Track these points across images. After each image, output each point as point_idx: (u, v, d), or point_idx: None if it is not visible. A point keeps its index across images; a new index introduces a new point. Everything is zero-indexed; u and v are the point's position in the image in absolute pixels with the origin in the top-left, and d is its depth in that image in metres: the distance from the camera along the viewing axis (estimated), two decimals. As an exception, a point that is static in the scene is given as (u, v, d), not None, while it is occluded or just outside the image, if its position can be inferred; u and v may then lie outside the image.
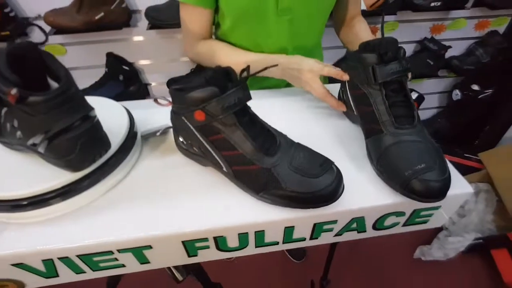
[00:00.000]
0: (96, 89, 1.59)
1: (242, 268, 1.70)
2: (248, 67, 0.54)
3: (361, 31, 0.96)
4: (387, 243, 1.77)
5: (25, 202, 0.54)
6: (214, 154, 0.57)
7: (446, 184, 0.56)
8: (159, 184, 0.63)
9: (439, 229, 1.86)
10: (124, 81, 1.61)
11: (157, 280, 1.59)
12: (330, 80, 0.83)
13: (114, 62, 1.58)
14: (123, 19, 1.37)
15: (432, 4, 1.54)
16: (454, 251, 1.73)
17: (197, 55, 0.93)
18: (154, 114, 0.80)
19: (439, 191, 0.55)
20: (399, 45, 0.65)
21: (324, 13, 0.94)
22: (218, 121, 0.53)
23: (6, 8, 1.28)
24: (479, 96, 1.94)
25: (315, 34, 0.98)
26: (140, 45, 1.60)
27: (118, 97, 1.57)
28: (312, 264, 1.79)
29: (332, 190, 0.54)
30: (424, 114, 2.27)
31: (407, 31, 1.78)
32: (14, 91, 0.43)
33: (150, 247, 0.56)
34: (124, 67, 1.60)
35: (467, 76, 1.95)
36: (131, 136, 0.66)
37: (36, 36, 1.46)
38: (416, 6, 1.55)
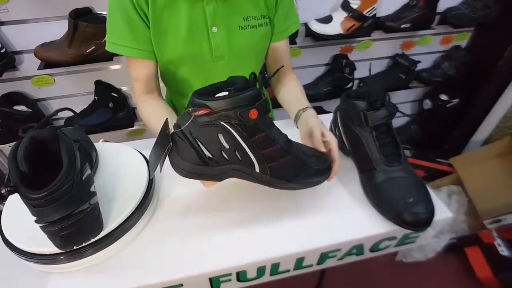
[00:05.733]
0: (85, 116, 1.62)
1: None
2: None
3: (293, 89, 1.02)
4: (371, 247, 1.88)
5: (62, 257, 0.59)
6: (250, 155, 0.61)
7: (431, 214, 0.67)
8: (180, 225, 0.71)
9: (417, 231, 2.00)
10: (113, 108, 1.65)
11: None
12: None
13: (103, 90, 1.61)
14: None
15: (402, 26, 1.67)
16: (432, 251, 1.87)
17: (140, 114, 0.96)
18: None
19: (426, 221, 0.66)
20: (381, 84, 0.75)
21: (256, 57, 1.01)
22: (264, 120, 0.60)
23: (-2, 45, 1.31)
24: (447, 105, 2.10)
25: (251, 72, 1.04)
26: (127, 72, 1.64)
27: (107, 123, 1.63)
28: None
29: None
30: (398, 121, 2.41)
31: (380, 48, 1.91)
32: (3, 190, 0.48)
33: (181, 285, 0.63)
34: (113, 94, 1.64)
35: (436, 87, 2.11)
36: (150, 186, 0.72)
37: (24, 68, 1.48)
38: (388, 28, 1.67)
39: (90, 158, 0.73)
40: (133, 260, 0.64)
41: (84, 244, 0.59)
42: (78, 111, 1.63)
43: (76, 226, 0.54)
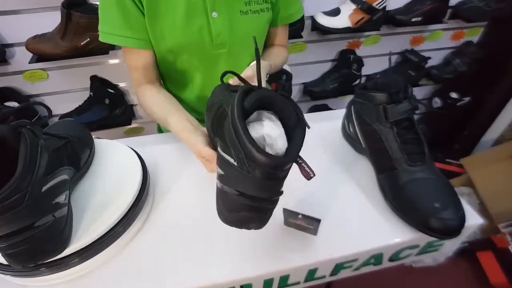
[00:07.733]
0: (80, 113, 1.54)
1: None
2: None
3: (274, 54, 0.99)
4: (379, 251, 1.80)
5: (43, 268, 0.52)
6: None
7: (462, 220, 0.59)
8: (178, 232, 0.63)
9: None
10: (109, 105, 1.57)
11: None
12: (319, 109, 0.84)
13: (99, 85, 1.53)
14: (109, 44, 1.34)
15: (413, 20, 1.59)
16: (443, 256, 1.79)
17: (143, 104, 0.88)
18: (161, 150, 0.80)
19: (457, 228, 0.58)
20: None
21: (259, 44, 0.95)
22: None
23: (-12, 40, 1.24)
24: (458, 104, 2.02)
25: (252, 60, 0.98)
26: (124, 67, 1.57)
27: (103, 121, 1.55)
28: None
29: None
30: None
31: (389, 44, 1.82)
32: None
33: (177, 301, 0.55)
34: (110, 90, 1.56)
35: (446, 84, 2.03)
36: (144, 188, 0.64)
37: (15, 62, 1.41)
38: (398, 22, 1.59)
39: (77, 159, 0.64)
40: (124, 271, 0.56)
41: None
42: (73, 108, 1.56)
43: (27, 245, 0.45)
